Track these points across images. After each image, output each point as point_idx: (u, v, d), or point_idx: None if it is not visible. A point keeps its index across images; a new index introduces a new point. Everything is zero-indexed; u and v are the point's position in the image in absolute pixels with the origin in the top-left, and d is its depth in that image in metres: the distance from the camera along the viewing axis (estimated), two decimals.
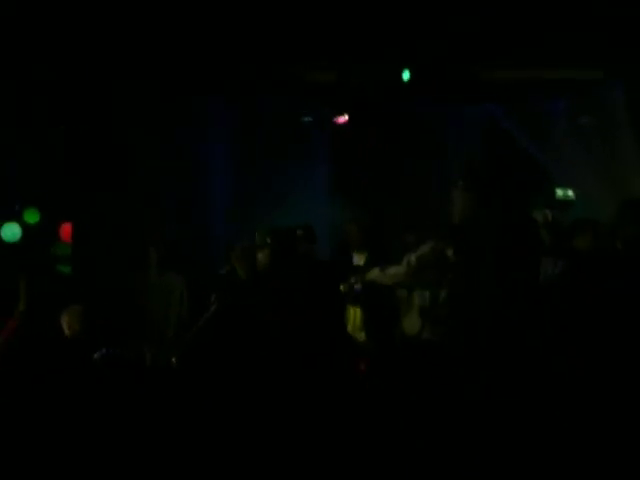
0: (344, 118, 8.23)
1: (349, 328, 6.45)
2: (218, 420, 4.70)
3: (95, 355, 5.26)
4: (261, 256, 5.44)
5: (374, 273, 5.97)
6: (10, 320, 4.93)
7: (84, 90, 7.97)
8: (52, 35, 7.20)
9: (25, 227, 9.49)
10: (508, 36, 7.22)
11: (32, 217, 9.54)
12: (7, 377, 4.52)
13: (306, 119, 8.56)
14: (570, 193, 8.43)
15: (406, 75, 7.57)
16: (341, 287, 5.76)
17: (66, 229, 9.23)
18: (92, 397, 4.73)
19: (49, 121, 8.74)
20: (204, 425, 4.69)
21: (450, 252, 5.30)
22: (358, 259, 6.76)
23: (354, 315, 6.58)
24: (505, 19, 7.02)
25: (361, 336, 6.39)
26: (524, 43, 7.34)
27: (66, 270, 9.29)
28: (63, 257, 9.26)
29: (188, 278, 6.76)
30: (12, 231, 9.33)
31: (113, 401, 4.76)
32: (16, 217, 9.59)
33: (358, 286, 5.69)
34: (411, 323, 6.43)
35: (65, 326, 5.79)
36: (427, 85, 7.84)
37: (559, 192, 8.53)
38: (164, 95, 8.10)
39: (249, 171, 8.55)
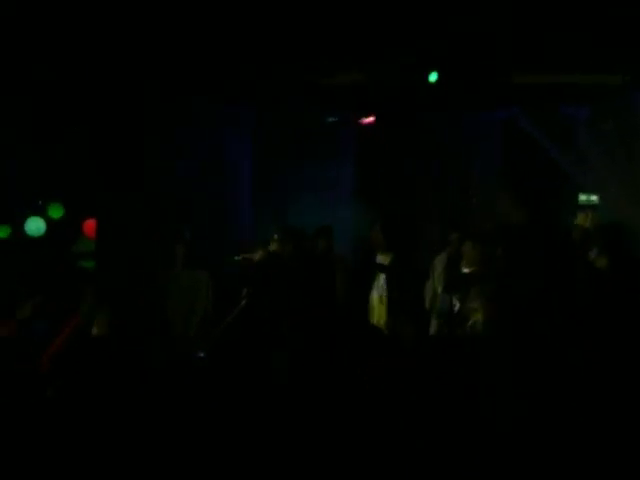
0: (370, 119, 8.25)
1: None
2: (245, 417, 4.72)
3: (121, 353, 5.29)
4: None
5: None
6: (71, 319, 4.97)
7: (106, 87, 8.02)
8: (78, 33, 7.25)
9: (49, 222, 9.58)
10: (531, 40, 7.23)
11: (56, 212, 9.63)
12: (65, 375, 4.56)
13: (331, 119, 8.57)
14: (593, 198, 8.44)
15: (433, 77, 7.57)
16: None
17: (89, 225, 9.30)
18: (121, 394, 4.76)
19: (73, 117, 8.82)
20: (230, 422, 4.71)
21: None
22: (383, 260, 6.81)
23: (379, 312, 6.65)
24: (527, 24, 7.03)
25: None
26: (547, 48, 7.35)
27: (88, 266, 9.35)
28: (86, 253, 9.33)
29: (212, 274, 6.82)
30: (37, 226, 9.41)
31: (141, 398, 4.79)
32: (40, 212, 9.68)
33: None
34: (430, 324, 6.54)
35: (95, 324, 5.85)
36: (450, 88, 7.86)
37: (582, 197, 8.54)
38: (186, 94, 8.13)
39: (274, 170, 8.58)
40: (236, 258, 6.77)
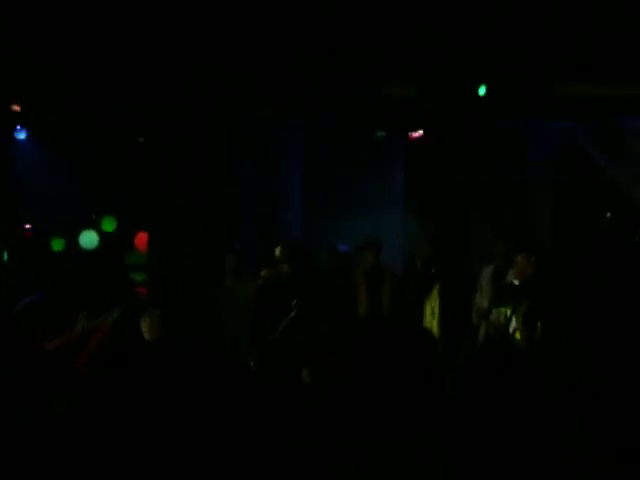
0: (419, 133, 8.25)
1: None
2: (295, 423, 4.73)
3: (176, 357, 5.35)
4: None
5: None
6: (99, 327, 4.96)
7: (160, 102, 8.14)
8: (134, 47, 7.38)
9: (102, 235, 9.77)
10: (585, 51, 7.15)
11: (109, 225, 9.81)
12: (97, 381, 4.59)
13: (380, 134, 8.58)
14: None
15: (482, 90, 7.55)
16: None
17: (141, 238, 9.45)
18: (173, 398, 4.80)
19: (127, 133, 8.99)
20: (282, 428, 4.72)
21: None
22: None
23: (432, 328, 6.64)
24: (583, 35, 6.97)
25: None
26: (602, 58, 7.26)
27: (139, 278, 9.50)
28: (137, 265, 9.47)
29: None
30: (90, 238, 9.60)
31: (194, 402, 4.82)
32: (93, 226, 9.87)
33: None
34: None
35: (145, 330, 5.93)
36: (504, 100, 7.81)
37: None
38: (242, 109, 8.21)
39: (324, 185, 8.62)
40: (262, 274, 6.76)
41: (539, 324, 5.48)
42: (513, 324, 5.83)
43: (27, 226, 9.67)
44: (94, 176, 9.31)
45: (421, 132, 8.23)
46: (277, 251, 6.26)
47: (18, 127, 8.65)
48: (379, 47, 7.31)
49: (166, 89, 7.79)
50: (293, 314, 5.19)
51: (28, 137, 8.81)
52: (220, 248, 7.74)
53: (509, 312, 5.88)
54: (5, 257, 9.41)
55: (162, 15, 6.74)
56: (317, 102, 8.12)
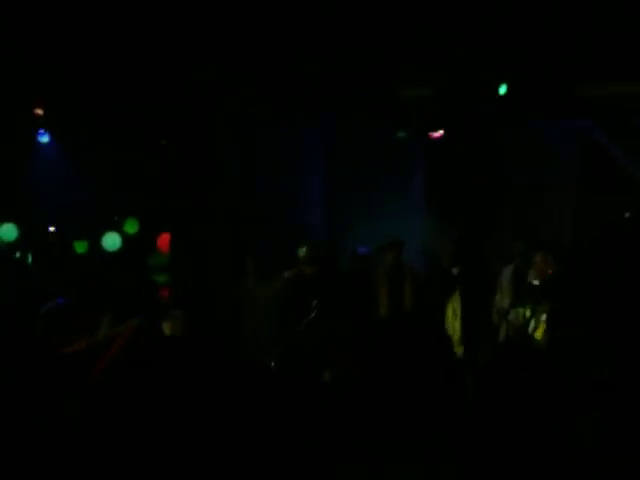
0: (439, 133, 8.24)
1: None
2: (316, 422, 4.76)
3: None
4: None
5: None
6: (121, 333, 4.98)
7: (183, 106, 8.20)
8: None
9: (125, 237, 9.85)
10: (604, 49, 7.12)
11: (132, 227, 9.89)
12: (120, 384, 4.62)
13: (400, 134, 8.58)
14: None
15: (502, 89, 7.55)
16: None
17: (164, 239, 9.52)
18: (186, 397, 4.83)
19: (149, 136, 9.05)
20: (303, 427, 4.75)
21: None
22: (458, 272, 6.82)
23: (452, 326, 6.64)
24: (601, 35, 6.94)
25: (459, 351, 6.46)
26: (621, 57, 7.23)
27: (162, 279, 9.57)
28: (160, 266, 9.54)
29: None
30: (113, 240, 9.68)
31: (206, 402, 4.85)
32: (116, 228, 9.96)
33: None
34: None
35: (167, 331, 6.00)
36: (523, 99, 7.79)
37: None
38: (261, 113, 8.25)
39: (344, 185, 8.65)
40: (285, 275, 6.75)
41: (559, 324, 5.47)
42: (532, 324, 5.82)
43: (50, 229, 9.76)
44: (116, 178, 9.38)
45: (441, 132, 8.22)
46: (302, 252, 6.19)
47: (40, 130, 8.74)
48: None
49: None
50: (313, 315, 5.22)
51: (50, 140, 8.90)
52: (241, 249, 7.79)
53: (528, 312, 5.87)
54: (29, 259, 9.53)
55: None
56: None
